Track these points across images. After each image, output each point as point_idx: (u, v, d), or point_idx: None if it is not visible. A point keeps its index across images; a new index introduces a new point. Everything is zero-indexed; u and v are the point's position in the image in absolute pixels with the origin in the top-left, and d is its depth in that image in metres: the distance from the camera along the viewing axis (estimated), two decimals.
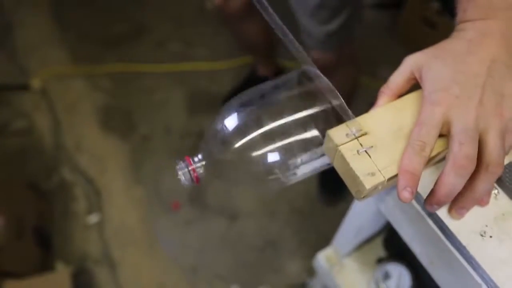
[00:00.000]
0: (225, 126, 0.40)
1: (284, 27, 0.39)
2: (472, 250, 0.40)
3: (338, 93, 0.39)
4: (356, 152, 0.37)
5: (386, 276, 0.74)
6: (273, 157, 0.39)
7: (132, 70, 1.81)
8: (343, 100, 0.39)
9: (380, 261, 0.78)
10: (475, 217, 0.41)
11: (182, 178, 0.40)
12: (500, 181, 0.43)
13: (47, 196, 1.52)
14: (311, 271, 1.29)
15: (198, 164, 0.40)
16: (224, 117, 0.40)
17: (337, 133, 0.38)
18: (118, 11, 1.99)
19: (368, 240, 0.82)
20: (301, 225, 1.49)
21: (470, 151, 0.36)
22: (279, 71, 1.67)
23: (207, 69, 1.82)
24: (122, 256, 1.44)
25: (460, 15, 0.42)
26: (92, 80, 1.80)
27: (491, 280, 0.38)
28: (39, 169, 1.59)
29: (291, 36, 0.39)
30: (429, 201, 0.39)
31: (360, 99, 1.36)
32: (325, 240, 0.90)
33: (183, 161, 0.40)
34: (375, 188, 0.37)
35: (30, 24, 1.94)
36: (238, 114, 0.40)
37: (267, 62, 1.62)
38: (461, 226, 0.41)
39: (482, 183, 0.38)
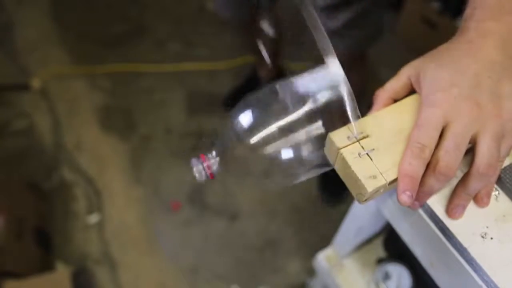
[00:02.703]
0: (241, 122, 0.40)
1: (317, 19, 0.37)
2: (473, 252, 0.39)
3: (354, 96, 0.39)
4: (357, 155, 0.37)
5: (386, 276, 0.74)
6: (288, 154, 0.39)
7: (132, 70, 1.81)
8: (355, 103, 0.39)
9: (380, 261, 0.78)
10: (475, 219, 0.41)
11: (197, 175, 0.41)
12: (500, 183, 0.43)
13: (47, 196, 1.51)
14: (311, 271, 1.29)
15: (212, 161, 0.41)
16: (241, 112, 0.40)
17: (338, 136, 0.38)
18: (118, 11, 1.99)
19: (368, 241, 0.82)
20: (301, 225, 1.49)
21: (452, 161, 0.36)
22: (280, 73, 1.66)
23: (207, 69, 1.82)
24: (122, 256, 1.44)
25: (468, 12, 0.42)
26: (92, 80, 1.80)
27: (492, 282, 0.38)
28: (39, 169, 1.59)
29: (323, 30, 0.37)
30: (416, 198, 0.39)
31: (360, 100, 1.36)
32: (325, 240, 0.90)
33: (198, 158, 0.41)
34: (376, 191, 0.37)
35: (30, 24, 1.94)
36: (254, 110, 0.40)
37: (271, 64, 1.61)
38: (462, 228, 0.41)
39: (473, 182, 0.38)
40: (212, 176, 0.41)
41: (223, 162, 0.41)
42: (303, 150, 0.39)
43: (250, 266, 1.43)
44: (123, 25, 1.95)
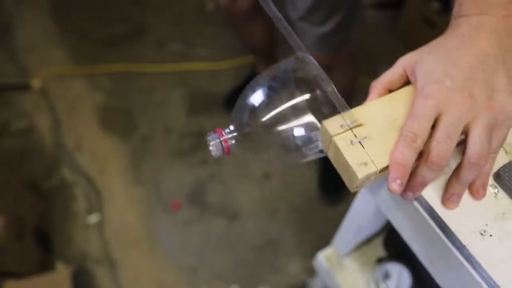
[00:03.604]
0: (256, 98, 0.41)
1: (285, 22, 0.40)
2: (472, 249, 0.39)
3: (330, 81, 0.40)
4: (349, 142, 0.38)
5: (386, 276, 0.74)
6: (298, 130, 0.40)
7: (132, 70, 1.81)
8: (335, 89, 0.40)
9: (380, 261, 0.78)
10: (475, 216, 0.41)
11: (213, 149, 0.42)
12: (500, 180, 0.43)
13: (47, 196, 1.52)
14: (311, 271, 1.29)
15: (229, 135, 0.42)
16: (256, 89, 0.41)
17: (331, 124, 0.39)
18: (118, 11, 1.99)
19: (368, 240, 0.82)
20: (301, 225, 1.49)
21: (443, 151, 0.37)
22: None
23: (207, 69, 1.82)
24: (122, 256, 1.44)
25: (456, 9, 0.43)
26: (92, 80, 1.80)
27: (491, 279, 0.38)
28: (39, 169, 1.59)
29: (290, 30, 0.40)
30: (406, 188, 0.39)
31: (360, 99, 1.36)
32: (325, 240, 0.90)
33: (215, 133, 0.42)
34: (367, 178, 0.38)
35: (30, 24, 1.95)
36: (270, 87, 0.41)
37: (268, 62, 1.62)
38: (461, 225, 0.41)
39: (465, 172, 0.39)
40: (228, 151, 0.42)
41: (239, 137, 0.42)
42: (312, 127, 0.40)
43: (250, 266, 1.42)
44: (123, 25, 1.95)
